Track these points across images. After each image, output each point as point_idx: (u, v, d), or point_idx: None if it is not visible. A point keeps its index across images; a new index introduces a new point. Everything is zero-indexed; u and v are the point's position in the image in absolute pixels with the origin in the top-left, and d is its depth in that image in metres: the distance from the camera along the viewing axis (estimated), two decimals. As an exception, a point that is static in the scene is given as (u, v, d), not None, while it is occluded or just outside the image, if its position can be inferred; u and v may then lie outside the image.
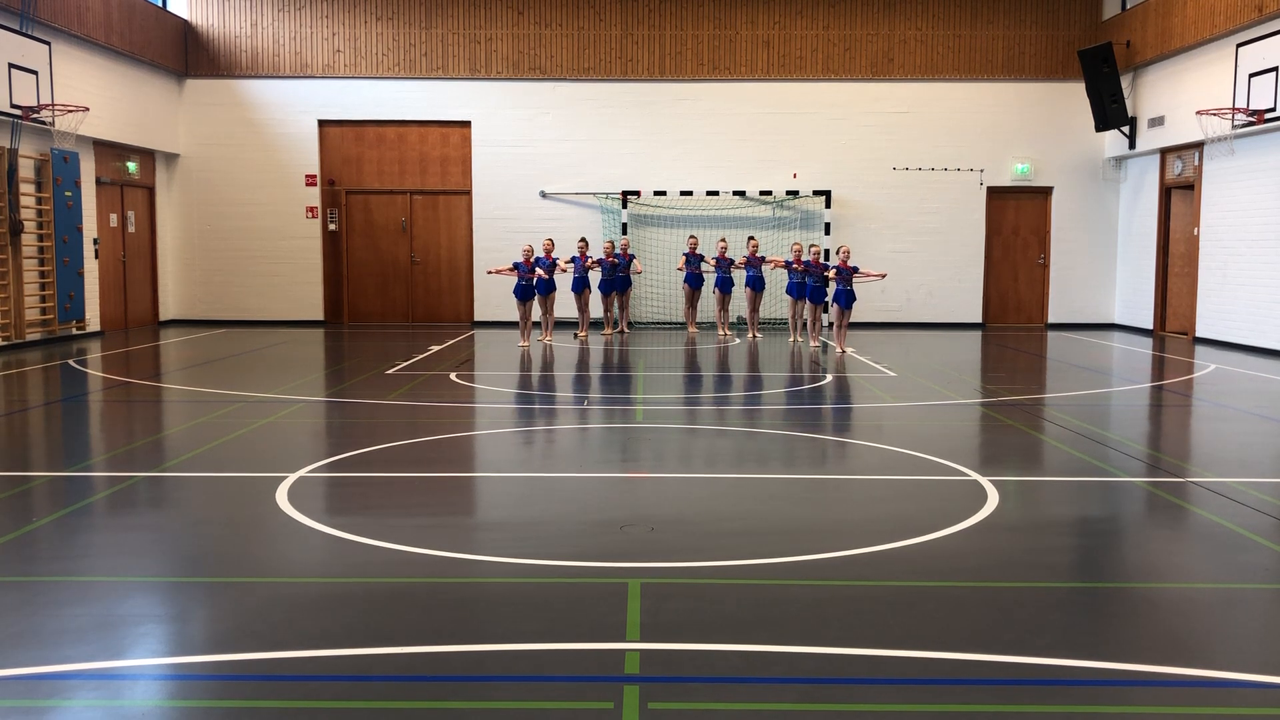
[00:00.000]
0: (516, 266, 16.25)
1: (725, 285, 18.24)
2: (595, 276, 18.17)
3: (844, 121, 20.50)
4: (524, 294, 16.31)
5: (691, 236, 18.87)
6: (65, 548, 5.76)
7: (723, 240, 18.54)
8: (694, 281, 18.52)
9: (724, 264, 18.15)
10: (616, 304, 18.58)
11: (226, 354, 15.51)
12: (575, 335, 17.92)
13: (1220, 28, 16.41)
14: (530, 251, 16.31)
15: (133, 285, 19.49)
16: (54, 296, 16.44)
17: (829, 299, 16.48)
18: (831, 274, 15.84)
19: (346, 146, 20.76)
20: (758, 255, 18.00)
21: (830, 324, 16.23)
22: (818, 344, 16.28)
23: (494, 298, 20.23)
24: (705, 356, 15.66)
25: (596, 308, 18.70)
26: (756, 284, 17.99)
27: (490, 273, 17.77)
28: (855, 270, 15.71)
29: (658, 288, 20.56)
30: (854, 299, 15.75)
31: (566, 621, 4.59)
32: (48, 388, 12.30)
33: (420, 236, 20.94)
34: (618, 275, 18.23)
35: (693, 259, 18.39)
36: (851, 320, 16.53)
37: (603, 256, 18.06)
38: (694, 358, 15.51)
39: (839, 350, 15.42)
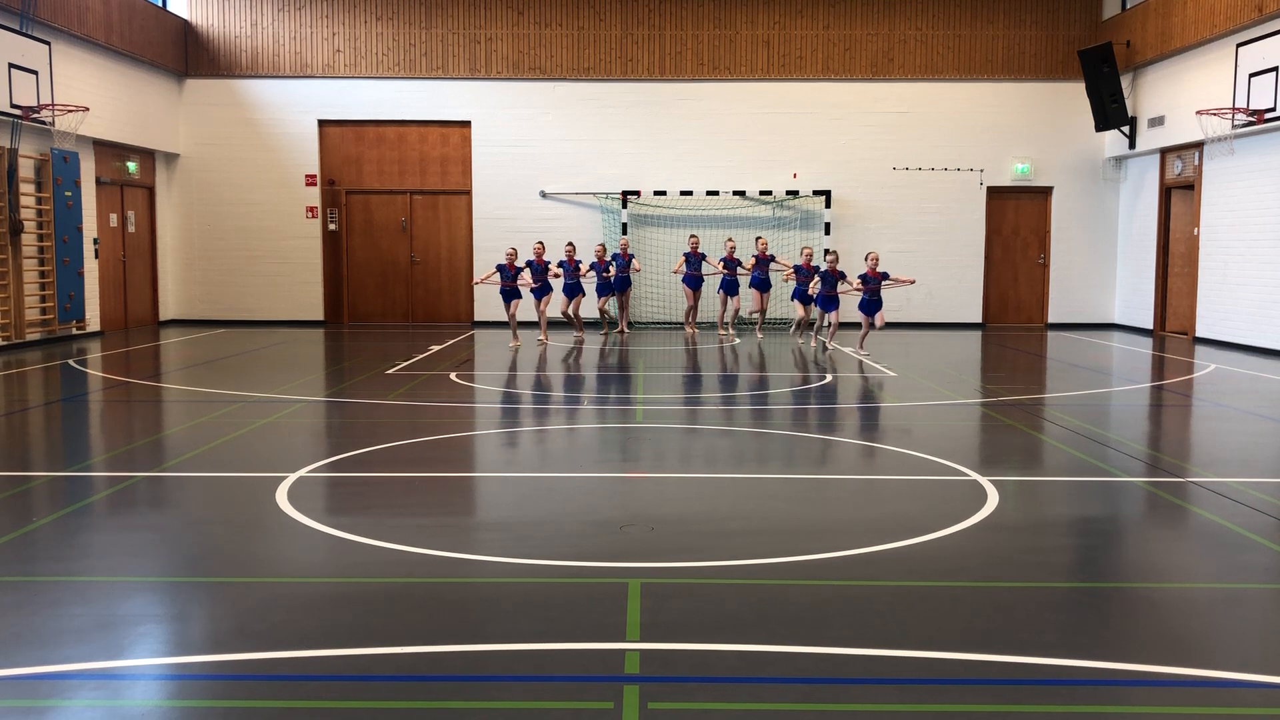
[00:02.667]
0: (499, 269, 15.85)
1: (731, 288, 17.85)
2: (592, 280, 17.84)
3: (844, 121, 20.50)
4: (509, 295, 15.92)
5: (692, 236, 18.61)
6: (65, 548, 5.75)
7: (730, 240, 18.21)
8: (693, 283, 18.14)
9: (731, 265, 17.74)
10: (616, 304, 18.45)
11: (226, 354, 15.51)
12: (574, 338, 17.63)
13: (1220, 28, 16.41)
14: (514, 254, 15.89)
15: (133, 285, 19.49)
16: (54, 296, 16.44)
17: (832, 307, 15.63)
18: (857, 284, 14.78)
19: (346, 146, 20.77)
20: (766, 255, 17.66)
21: (828, 324, 15.61)
22: (817, 344, 16.14)
23: (493, 298, 20.03)
24: (705, 357, 15.65)
25: (590, 308, 18.65)
26: (762, 285, 17.73)
27: (477, 283, 17.36)
28: (885, 277, 14.81)
29: (658, 288, 20.55)
30: (880, 306, 14.88)
31: (566, 621, 4.59)
32: (48, 388, 12.30)
33: (420, 236, 20.94)
34: (617, 275, 17.97)
35: (693, 260, 18.00)
36: (848, 320, 16.24)
37: (595, 260, 17.72)
38: (694, 358, 15.50)
39: (860, 353, 14.86)
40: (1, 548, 5.68)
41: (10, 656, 4.17)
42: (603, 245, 18.25)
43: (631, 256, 18.26)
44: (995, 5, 20.39)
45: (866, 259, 15.03)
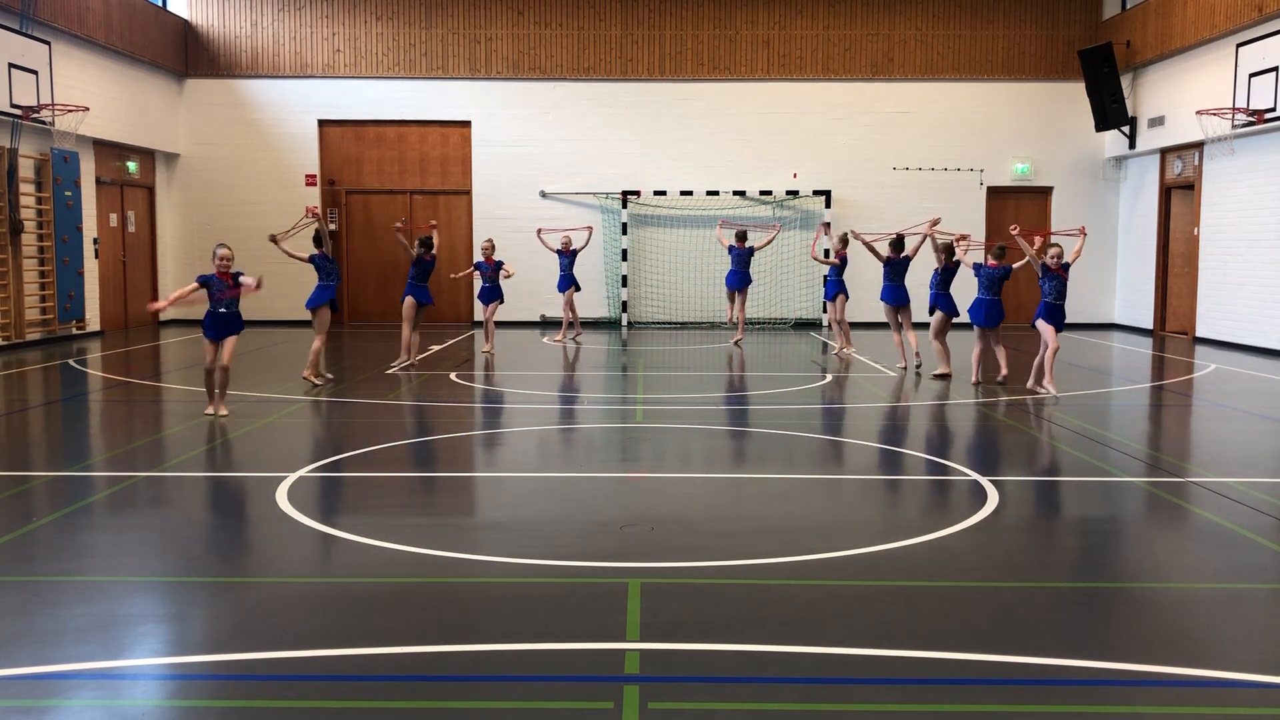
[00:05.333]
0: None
1: (839, 288, 14.89)
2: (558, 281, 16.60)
3: (844, 121, 20.50)
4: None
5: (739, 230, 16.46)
6: (65, 548, 5.75)
7: (850, 233, 15.01)
8: (737, 281, 16.01)
9: (843, 263, 14.90)
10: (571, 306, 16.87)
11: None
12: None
13: (1220, 28, 16.41)
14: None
15: (133, 285, 19.48)
16: (54, 296, 16.44)
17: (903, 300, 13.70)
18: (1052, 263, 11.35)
19: (346, 146, 20.76)
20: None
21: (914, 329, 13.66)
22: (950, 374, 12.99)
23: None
24: (705, 357, 15.64)
25: (559, 312, 18.60)
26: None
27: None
28: (1067, 266, 11.45)
29: (656, 287, 20.55)
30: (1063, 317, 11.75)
31: (566, 621, 4.59)
32: (48, 388, 12.30)
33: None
34: (483, 287, 15.31)
35: (736, 252, 15.94)
36: (849, 319, 15.53)
37: (482, 260, 15.26)
38: (696, 358, 15.49)
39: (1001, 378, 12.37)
40: (1, 548, 5.68)
41: (10, 656, 4.17)
42: (490, 241, 15.58)
43: (500, 264, 15.13)
44: (995, 5, 20.39)
45: (1049, 253, 11.69)
